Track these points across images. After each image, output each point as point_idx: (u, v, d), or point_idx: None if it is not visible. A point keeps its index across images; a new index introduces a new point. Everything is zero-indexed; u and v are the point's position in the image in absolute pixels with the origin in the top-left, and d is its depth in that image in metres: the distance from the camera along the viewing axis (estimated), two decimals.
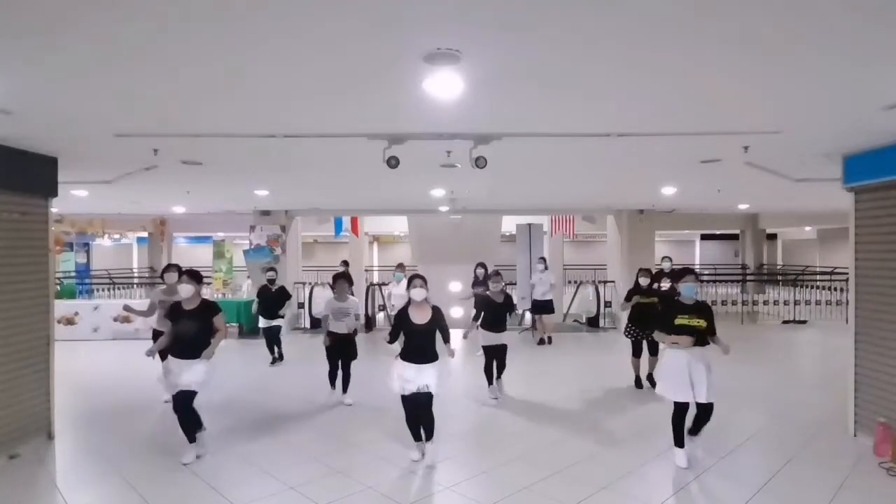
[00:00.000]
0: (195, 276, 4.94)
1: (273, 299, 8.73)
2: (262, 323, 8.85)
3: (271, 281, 8.86)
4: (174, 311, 4.87)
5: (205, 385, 4.81)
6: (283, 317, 8.89)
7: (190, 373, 4.71)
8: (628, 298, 7.34)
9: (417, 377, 4.64)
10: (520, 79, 3.26)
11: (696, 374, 4.55)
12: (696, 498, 4.19)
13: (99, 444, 5.35)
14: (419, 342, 4.73)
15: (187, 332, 4.77)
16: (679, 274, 4.90)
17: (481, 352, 7.05)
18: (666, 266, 8.87)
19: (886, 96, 3.58)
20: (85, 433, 5.69)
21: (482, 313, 6.78)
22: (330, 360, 6.63)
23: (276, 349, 8.91)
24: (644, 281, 7.26)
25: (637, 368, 7.34)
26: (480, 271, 9.61)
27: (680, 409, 4.67)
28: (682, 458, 4.68)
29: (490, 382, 6.84)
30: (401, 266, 9.49)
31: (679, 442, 4.71)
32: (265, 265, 10.37)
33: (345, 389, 6.61)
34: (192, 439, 4.85)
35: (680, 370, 4.58)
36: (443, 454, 4.93)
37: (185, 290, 4.83)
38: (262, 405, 6.66)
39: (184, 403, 4.76)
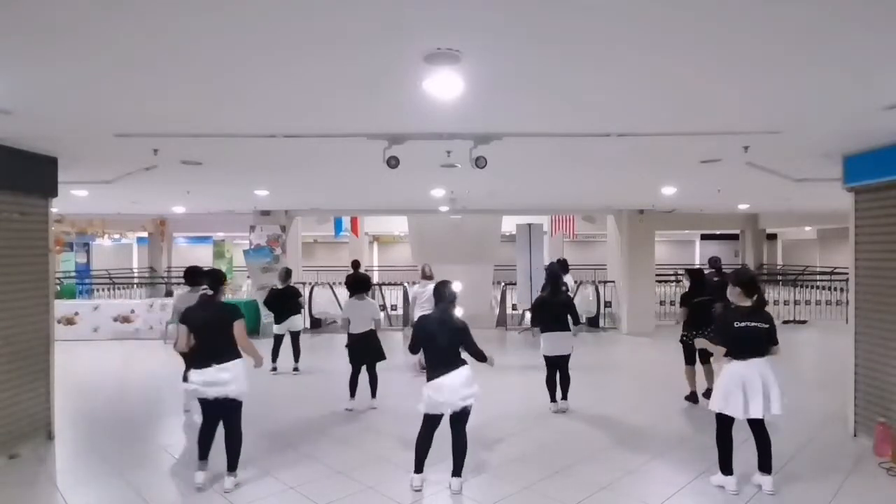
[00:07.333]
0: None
1: (284, 299, 8.25)
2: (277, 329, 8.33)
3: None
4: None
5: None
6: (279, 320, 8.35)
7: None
8: (684, 303, 6.58)
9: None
10: (520, 79, 3.26)
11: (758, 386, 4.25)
12: (695, 498, 4.19)
13: (99, 444, 5.35)
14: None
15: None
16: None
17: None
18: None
19: (886, 96, 3.58)
20: (85, 433, 5.69)
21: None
22: (352, 363, 6.36)
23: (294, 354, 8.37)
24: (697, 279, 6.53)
25: (693, 378, 6.51)
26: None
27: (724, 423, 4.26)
28: (731, 483, 4.18)
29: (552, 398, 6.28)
30: (426, 276, 8.06)
31: (726, 467, 4.20)
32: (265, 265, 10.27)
33: (373, 393, 6.40)
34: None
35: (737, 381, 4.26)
36: (439, 455, 4.91)
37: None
38: (261, 406, 6.64)
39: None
